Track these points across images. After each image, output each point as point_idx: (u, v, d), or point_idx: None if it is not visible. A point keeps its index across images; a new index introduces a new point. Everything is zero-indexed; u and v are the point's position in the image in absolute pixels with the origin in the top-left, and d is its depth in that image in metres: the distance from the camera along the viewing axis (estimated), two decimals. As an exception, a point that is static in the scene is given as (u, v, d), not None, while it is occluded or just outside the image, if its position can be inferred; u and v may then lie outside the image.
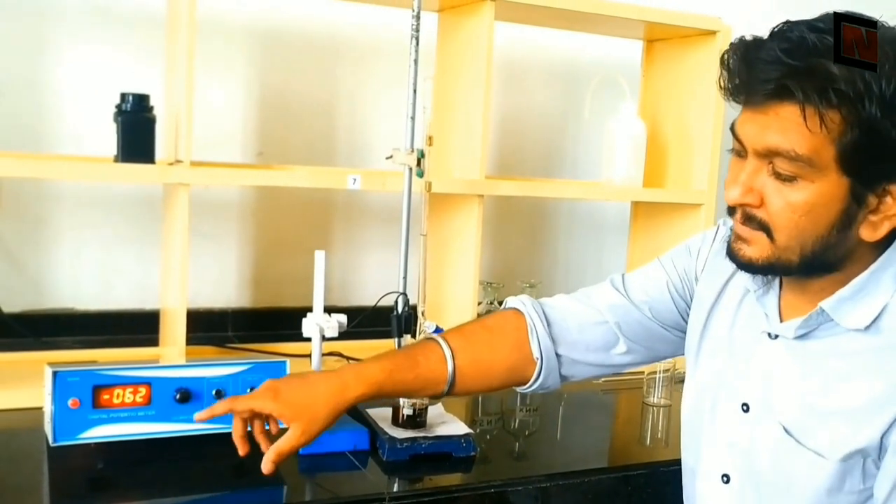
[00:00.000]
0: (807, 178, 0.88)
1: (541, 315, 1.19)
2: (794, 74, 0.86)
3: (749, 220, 0.93)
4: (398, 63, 1.39)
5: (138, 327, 1.78)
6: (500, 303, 1.81)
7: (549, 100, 2.20)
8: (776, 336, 1.01)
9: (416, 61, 1.34)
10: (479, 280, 1.73)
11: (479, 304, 1.78)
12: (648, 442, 1.55)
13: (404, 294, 1.36)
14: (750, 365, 1.04)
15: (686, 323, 1.18)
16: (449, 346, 1.14)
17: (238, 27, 1.88)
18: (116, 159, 1.48)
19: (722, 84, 0.94)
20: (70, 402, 1.13)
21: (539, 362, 1.17)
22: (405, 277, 1.38)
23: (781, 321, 1.01)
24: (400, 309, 1.35)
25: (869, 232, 0.91)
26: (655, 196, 1.93)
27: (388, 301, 1.38)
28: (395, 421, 1.32)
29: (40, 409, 1.19)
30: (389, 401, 1.37)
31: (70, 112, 1.74)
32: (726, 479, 1.06)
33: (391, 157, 1.38)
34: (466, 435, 1.31)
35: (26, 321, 1.71)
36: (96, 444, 1.15)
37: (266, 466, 1.05)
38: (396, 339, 1.35)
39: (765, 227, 0.92)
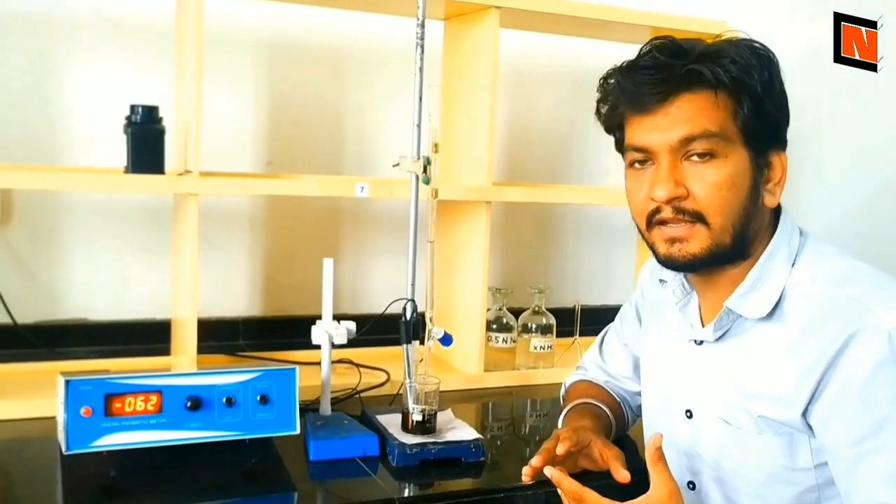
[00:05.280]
0: (721, 154, 0.96)
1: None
2: (687, 66, 0.96)
3: (680, 213, 0.97)
4: (405, 71, 1.40)
5: (150, 337, 1.79)
6: (510, 309, 1.83)
7: (555, 106, 2.21)
8: (701, 342, 1.06)
9: (421, 69, 1.35)
10: (487, 286, 1.74)
11: (488, 310, 1.79)
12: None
13: (412, 300, 1.37)
14: (684, 373, 1.09)
15: None
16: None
17: (246, 38, 1.89)
18: (127, 170, 1.49)
19: (602, 108, 1.04)
20: (82, 410, 1.14)
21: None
22: (413, 284, 1.39)
23: (703, 326, 1.06)
24: (408, 315, 1.36)
25: (770, 199, 1.01)
26: (663, 201, 1.93)
27: (397, 308, 1.39)
28: (405, 427, 1.33)
29: (54, 418, 1.20)
30: (399, 406, 1.38)
31: (81, 124, 1.76)
32: (692, 485, 1.10)
33: (398, 164, 1.38)
34: (476, 440, 1.32)
35: (40, 332, 1.72)
36: (108, 451, 1.16)
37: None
38: (405, 346, 1.35)
39: (698, 216, 0.97)
